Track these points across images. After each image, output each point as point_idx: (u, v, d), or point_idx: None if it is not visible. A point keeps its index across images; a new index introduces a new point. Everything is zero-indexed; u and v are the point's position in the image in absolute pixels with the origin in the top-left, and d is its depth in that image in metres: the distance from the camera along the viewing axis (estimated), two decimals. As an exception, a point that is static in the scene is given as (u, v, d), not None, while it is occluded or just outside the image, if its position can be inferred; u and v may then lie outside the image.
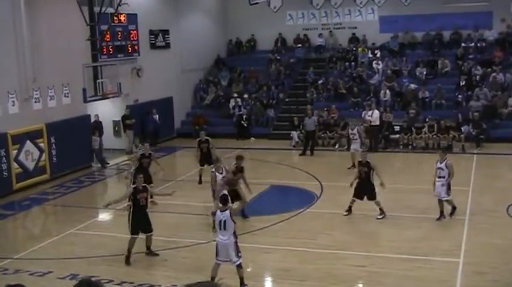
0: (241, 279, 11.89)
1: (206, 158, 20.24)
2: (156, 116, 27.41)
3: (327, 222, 16.08)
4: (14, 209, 18.52)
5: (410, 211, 16.50)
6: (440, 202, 15.68)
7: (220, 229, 11.76)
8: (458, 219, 15.68)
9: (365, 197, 16.16)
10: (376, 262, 13.14)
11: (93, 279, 5.01)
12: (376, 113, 24.90)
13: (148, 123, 27.05)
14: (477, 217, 15.85)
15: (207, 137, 20.82)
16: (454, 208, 15.91)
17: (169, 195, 15.06)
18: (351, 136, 22.23)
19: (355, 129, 22.11)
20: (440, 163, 15.92)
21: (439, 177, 15.74)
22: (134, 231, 13.59)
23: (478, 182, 19.43)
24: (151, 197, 16.02)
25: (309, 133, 25.27)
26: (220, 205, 12.09)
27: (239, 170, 16.32)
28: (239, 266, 11.84)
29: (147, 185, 14.11)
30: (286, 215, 16.54)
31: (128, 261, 13.54)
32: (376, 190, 16.08)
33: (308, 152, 24.76)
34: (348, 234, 15.15)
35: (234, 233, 11.83)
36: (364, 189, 16.11)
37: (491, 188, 18.89)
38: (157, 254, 13.95)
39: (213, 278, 11.39)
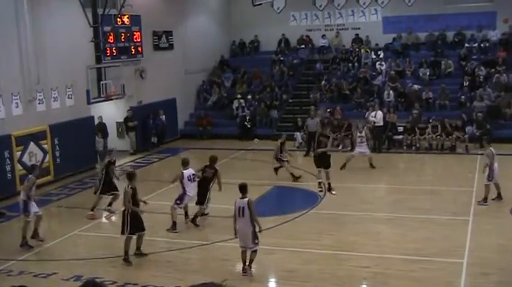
0: (251, 261, 12.64)
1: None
2: (163, 117, 27.50)
3: (331, 223, 16.07)
4: (18, 210, 18.50)
5: (414, 212, 16.48)
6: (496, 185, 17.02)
7: (239, 216, 12.48)
8: (463, 219, 15.67)
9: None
10: (380, 263, 13.13)
11: (97, 280, 5.01)
12: (380, 113, 24.88)
13: (154, 124, 27.09)
14: (481, 218, 15.83)
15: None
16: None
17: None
18: (359, 139, 22.13)
19: (363, 131, 22.12)
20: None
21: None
22: (132, 231, 13.70)
23: (482, 182, 19.36)
24: (110, 205, 17.45)
25: (312, 134, 25.25)
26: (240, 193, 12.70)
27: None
28: (254, 252, 12.59)
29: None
30: (290, 216, 16.54)
31: (128, 261, 13.60)
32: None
33: (312, 153, 24.73)
34: (352, 235, 15.14)
35: (252, 221, 12.45)
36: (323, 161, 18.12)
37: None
38: (146, 255, 14.00)
39: (244, 263, 12.61)
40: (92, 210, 17.34)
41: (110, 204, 17.66)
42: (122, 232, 13.72)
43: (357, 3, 30.82)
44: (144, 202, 14.51)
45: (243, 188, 12.72)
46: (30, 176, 15.56)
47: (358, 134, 22.25)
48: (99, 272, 12.99)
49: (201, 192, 16.01)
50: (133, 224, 13.66)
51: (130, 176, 14.13)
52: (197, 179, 15.98)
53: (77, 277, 12.79)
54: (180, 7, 30.04)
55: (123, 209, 14.01)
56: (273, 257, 13.74)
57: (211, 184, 16.14)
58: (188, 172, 15.93)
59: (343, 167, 21.37)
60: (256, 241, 12.52)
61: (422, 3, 30.00)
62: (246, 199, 12.57)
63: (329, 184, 18.58)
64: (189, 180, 15.85)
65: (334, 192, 18.32)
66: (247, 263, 12.67)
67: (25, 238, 14.96)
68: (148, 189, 18.78)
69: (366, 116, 25.63)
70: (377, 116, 24.72)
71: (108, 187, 17.37)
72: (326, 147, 18.86)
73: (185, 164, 16.08)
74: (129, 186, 13.78)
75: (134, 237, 13.84)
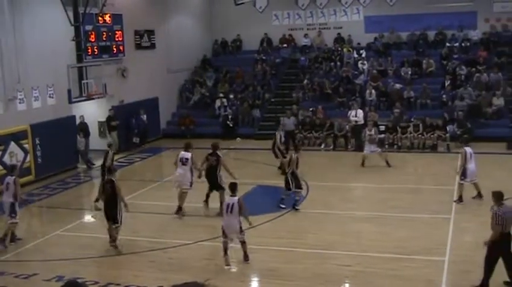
0: (245, 253, 13.18)
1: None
2: (144, 116, 27.40)
3: (313, 222, 16.11)
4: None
5: (396, 211, 16.57)
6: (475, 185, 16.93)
7: (227, 212, 12.99)
8: (444, 218, 15.77)
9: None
10: (362, 261, 13.17)
11: (79, 281, 4.99)
12: (360, 112, 25.07)
13: (136, 124, 26.98)
14: (462, 216, 15.96)
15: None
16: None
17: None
18: (367, 137, 22.27)
19: (373, 130, 22.29)
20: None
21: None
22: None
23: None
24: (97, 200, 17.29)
25: (289, 133, 25.46)
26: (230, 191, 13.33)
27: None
28: (243, 243, 13.13)
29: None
30: (273, 215, 16.55)
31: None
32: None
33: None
34: (335, 234, 15.19)
35: (239, 217, 13.02)
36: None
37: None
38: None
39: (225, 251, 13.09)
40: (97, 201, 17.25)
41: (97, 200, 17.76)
42: (119, 222, 14.32)
43: (339, 3, 30.90)
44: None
45: (233, 187, 13.25)
46: (14, 177, 15.32)
47: (367, 132, 22.42)
48: (80, 273, 12.90)
49: (212, 180, 16.73)
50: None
51: (111, 171, 14.97)
52: (192, 167, 16.70)
53: (59, 278, 12.70)
54: (162, 6, 29.95)
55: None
56: (256, 256, 13.73)
57: (218, 171, 16.69)
58: (183, 154, 16.74)
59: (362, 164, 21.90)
60: (243, 233, 13.12)
61: (404, 3, 30.17)
62: (236, 197, 13.10)
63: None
64: (180, 161, 16.65)
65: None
66: (243, 258, 13.18)
67: (6, 237, 14.85)
68: (130, 189, 18.71)
69: (348, 115, 25.76)
70: (358, 115, 24.85)
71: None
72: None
73: (186, 147, 17.01)
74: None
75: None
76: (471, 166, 17.03)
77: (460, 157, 17.27)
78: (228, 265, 12.99)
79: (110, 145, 19.97)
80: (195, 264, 13.27)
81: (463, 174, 16.92)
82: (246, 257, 13.16)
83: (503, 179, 20.33)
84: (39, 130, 21.79)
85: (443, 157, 23.09)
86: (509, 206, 11.41)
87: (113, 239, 14.30)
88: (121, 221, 14.25)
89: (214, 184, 16.70)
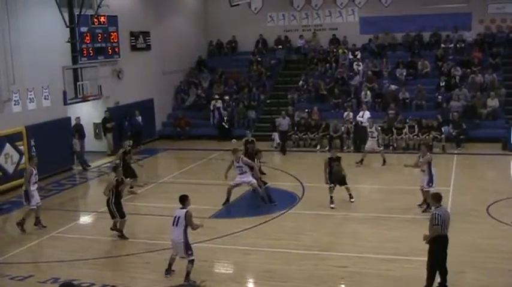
0: (187, 274, 12.15)
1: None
2: (139, 118, 27.38)
3: (309, 223, 16.12)
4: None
5: (391, 212, 16.59)
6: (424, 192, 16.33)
7: (173, 225, 12.42)
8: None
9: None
10: (358, 262, 13.19)
11: (74, 283, 4.99)
12: (367, 113, 25.07)
13: (131, 125, 26.94)
14: (457, 217, 15.88)
15: (253, 139, 21.65)
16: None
17: (141, 186, 17.10)
18: (370, 134, 22.58)
19: (374, 127, 22.52)
20: (422, 157, 16.60)
21: (422, 170, 16.52)
22: (123, 215, 15.22)
23: (459, 182, 19.61)
24: (131, 187, 19.04)
25: (283, 133, 25.64)
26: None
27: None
28: (190, 262, 12.26)
29: (123, 177, 15.59)
30: (268, 217, 16.56)
31: (125, 237, 15.19)
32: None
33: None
34: (330, 235, 15.20)
35: (185, 231, 12.25)
36: (337, 177, 17.43)
37: (472, 188, 19.05)
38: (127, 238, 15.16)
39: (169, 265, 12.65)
40: (131, 187, 19.04)
41: (132, 187, 19.22)
42: (117, 216, 15.17)
43: (334, 4, 31.01)
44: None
45: (183, 199, 12.53)
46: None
47: (369, 129, 22.75)
48: (76, 274, 12.88)
49: None
50: (121, 209, 15.17)
51: (116, 169, 16.02)
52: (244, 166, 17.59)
53: (54, 279, 12.68)
54: (157, 8, 29.95)
55: (107, 199, 15.17)
56: (251, 257, 13.75)
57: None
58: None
59: (360, 162, 22.32)
60: (189, 252, 12.24)
61: (399, 4, 30.27)
62: (185, 210, 12.32)
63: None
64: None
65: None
66: (185, 277, 12.13)
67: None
68: (126, 190, 18.67)
69: (344, 116, 25.79)
70: (364, 116, 24.90)
71: (126, 174, 17.64)
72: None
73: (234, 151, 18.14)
74: (115, 178, 15.18)
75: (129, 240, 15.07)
76: (433, 171, 16.71)
77: (428, 163, 16.47)
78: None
79: (124, 143, 20.51)
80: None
81: (431, 181, 16.38)
82: (186, 277, 12.05)
83: (498, 180, 20.45)
84: (35, 132, 21.75)
85: (439, 158, 23.07)
86: (445, 209, 11.59)
87: (120, 230, 15.27)
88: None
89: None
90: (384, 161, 22.43)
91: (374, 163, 22.70)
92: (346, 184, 17.54)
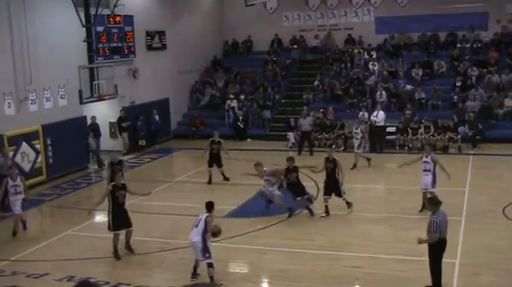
0: (211, 278, 12.12)
1: (215, 159, 20.60)
2: (157, 117, 27.50)
3: (324, 223, 16.10)
4: (10, 210, 18.45)
5: (405, 212, 16.52)
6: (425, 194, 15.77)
7: (194, 226, 12.32)
8: (455, 220, 15.64)
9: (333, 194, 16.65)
10: (372, 263, 13.16)
11: (91, 280, 5.02)
12: (382, 113, 24.96)
13: (143, 126, 27.04)
14: (473, 218, 15.88)
15: (220, 139, 21.03)
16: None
17: (144, 195, 15.54)
18: (354, 135, 22.45)
19: (359, 128, 22.36)
20: (426, 157, 16.25)
21: (425, 170, 16.18)
22: (116, 227, 13.93)
23: (475, 182, 19.49)
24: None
25: (305, 133, 25.43)
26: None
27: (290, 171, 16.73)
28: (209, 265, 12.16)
29: (125, 183, 14.26)
30: (283, 217, 16.55)
31: (117, 256, 13.91)
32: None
33: (303, 152, 24.94)
34: (345, 235, 15.17)
35: (203, 235, 12.13)
36: (332, 185, 16.61)
37: (488, 188, 18.93)
38: (133, 251, 14.21)
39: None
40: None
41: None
42: (108, 228, 14.05)
43: (349, 4, 30.91)
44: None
45: (209, 206, 12.65)
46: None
47: (354, 130, 22.67)
48: (91, 273, 12.96)
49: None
50: (116, 221, 13.91)
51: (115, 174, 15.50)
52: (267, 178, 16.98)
53: (70, 277, 12.77)
54: (173, 7, 30.03)
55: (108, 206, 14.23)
56: (266, 257, 13.76)
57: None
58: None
59: (353, 167, 21.85)
60: (207, 255, 12.18)
61: (415, 4, 30.14)
62: (207, 214, 12.41)
63: None
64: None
65: None
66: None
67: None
68: (141, 189, 18.71)
69: (359, 116, 25.73)
70: (379, 116, 24.80)
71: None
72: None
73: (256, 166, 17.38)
74: (112, 184, 14.36)
75: (122, 232, 14.13)
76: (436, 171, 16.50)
77: (434, 161, 16.28)
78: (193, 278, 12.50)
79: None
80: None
81: (435, 181, 16.23)
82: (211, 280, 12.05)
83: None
84: (51, 131, 21.90)
85: (455, 159, 22.99)
86: (444, 213, 11.23)
87: (127, 241, 14.32)
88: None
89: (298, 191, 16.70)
90: (355, 165, 21.91)
91: (387, 163, 22.62)
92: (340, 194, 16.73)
